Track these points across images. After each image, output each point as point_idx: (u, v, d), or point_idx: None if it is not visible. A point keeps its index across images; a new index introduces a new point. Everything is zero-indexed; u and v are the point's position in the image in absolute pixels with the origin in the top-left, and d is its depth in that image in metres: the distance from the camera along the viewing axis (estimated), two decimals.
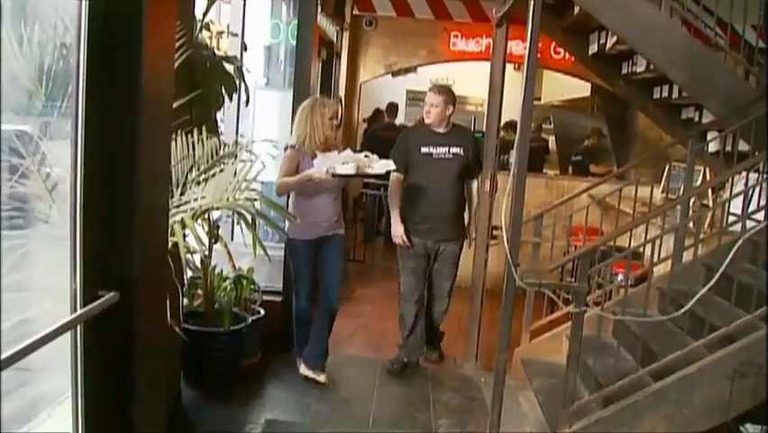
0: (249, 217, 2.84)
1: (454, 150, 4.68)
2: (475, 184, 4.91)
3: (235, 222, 4.69)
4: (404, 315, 4.89)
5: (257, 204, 2.95)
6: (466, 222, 4.95)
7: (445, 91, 4.73)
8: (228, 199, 2.78)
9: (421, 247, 4.76)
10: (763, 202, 4.06)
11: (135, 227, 2.00)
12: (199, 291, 4.30)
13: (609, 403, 3.51)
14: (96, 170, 1.89)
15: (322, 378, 4.49)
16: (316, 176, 4.00)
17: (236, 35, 4.81)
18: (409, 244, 4.74)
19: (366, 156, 4.09)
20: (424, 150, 4.67)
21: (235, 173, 2.97)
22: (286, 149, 4.24)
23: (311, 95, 5.09)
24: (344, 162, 3.95)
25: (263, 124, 6.33)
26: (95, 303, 1.83)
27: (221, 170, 3.04)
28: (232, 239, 5.52)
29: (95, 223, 1.91)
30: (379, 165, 4.07)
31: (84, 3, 1.77)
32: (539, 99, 10.59)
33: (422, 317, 4.90)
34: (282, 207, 3.13)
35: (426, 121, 4.73)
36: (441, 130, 4.71)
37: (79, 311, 1.80)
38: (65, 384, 2.64)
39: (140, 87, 1.93)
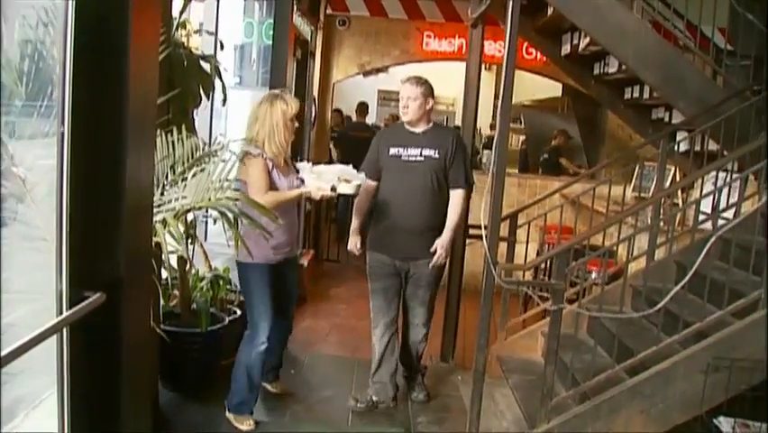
0: (231, 217, 2.82)
1: (428, 151, 4.02)
2: (458, 194, 4.11)
3: (210, 222, 4.70)
4: (373, 344, 4.27)
5: (239, 203, 2.93)
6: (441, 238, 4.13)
7: (423, 82, 4.09)
8: (210, 199, 2.76)
9: (390, 266, 4.15)
10: (733, 200, 4.16)
11: (121, 227, 1.99)
12: (175, 292, 4.27)
13: (586, 399, 3.57)
14: (81, 170, 1.87)
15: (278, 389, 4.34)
16: (317, 194, 3.72)
17: (212, 34, 4.77)
18: (357, 253, 4.30)
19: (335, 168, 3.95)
20: (392, 151, 4.07)
21: (216, 172, 2.95)
22: (243, 157, 3.56)
23: None
24: (343, 179, 3.71)
25: (236, 123, 6.30)
26: (82, 304, 1.81)
27: (201, 170, 3.03)
28: (205, 239, 5.50)
29: (80, 223, 1.89)
30: (356, 182, 3.89)
31: (70, 2, 1.75)
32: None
33: (394, 348, 4.26)
34: (265, 207, 3.02)
35: (404, 118, 4.08)
36: (418, 129, 4.08)
37: (67, 313, 1.79)
38: (42, 386, 2.61)
39: (126, 87, 1.92)
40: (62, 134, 1.81)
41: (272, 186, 3.67)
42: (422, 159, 4.02)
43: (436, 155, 4.02)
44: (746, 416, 3.18)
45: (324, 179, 3.68)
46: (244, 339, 3.87)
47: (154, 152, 2.41)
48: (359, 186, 3.76)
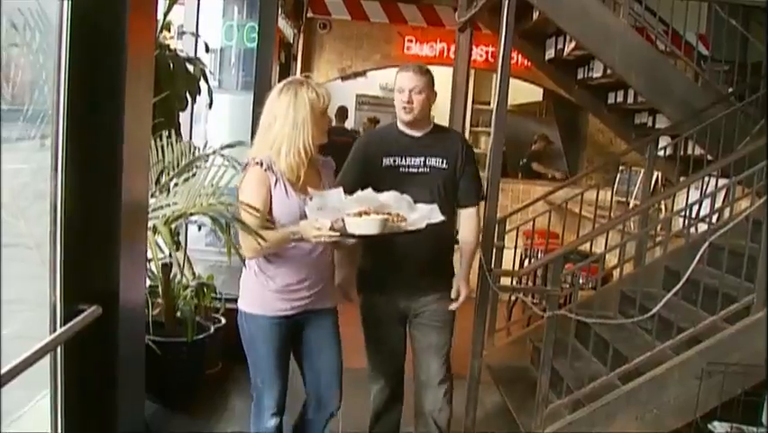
0: (224, 223, 2.76)
1: (433, 160, 3.13)
2: (472, 213, 3.27)
3: (193, 228, 4.61)
4: (372, 396, 3.42)
5: (231, 209, 2.86)
6: (457, 271, 3.32)
7: (427, 71, 3.15)
8: (202, 204, 2.70)
9: (390, 308, 3.21)
10: (717, 205, 4.19)
11: (117, 237, 1.91)
12: (159, 300, 4.17)
13: (578, 405, 3.55)
14: (75, 178, 1.80)
15: None
16: (314, 235, 2.49)
17: (196, 36, 4.69)
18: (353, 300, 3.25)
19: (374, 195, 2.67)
20: (386, 161, 3.12)
21: (208, 178, 2.88)
22: (246, 166, 2.69)
23: None
24: (361, 212, 2.51)
25: (216, 127, 6.22)
26: (77, 319, 1.74)
27: (193, 175, 2.95)
28: (186, 246, 5.40)
29: (74, 233, 1.82)
30: (418, 216, 2.64)
31: (66, 3, 1.68)
32: (489, 104, 10.69)
33: (393, 414, 3.44)
34: (247, 226, 2.60)
35: (405, 117, 3.10)
36: (417, 132, 3.16)
37: (62, 329, 1.71)
38: (22, 399, 2.51)
39: (122, 92, 1.85)
40: (56, 142, 1.73)
41: (271, 207, 2.65)
42: (426, 170, 3.13)
43: (444, 165, 3.14)
44: (740, 420, 3.17)
45: (329, 210, 2.52)
46: (251, 408, 2.96)
47: (149, 158, 2.35)
48: (385, 221, 2.52)
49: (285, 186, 2.63)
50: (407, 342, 3.33)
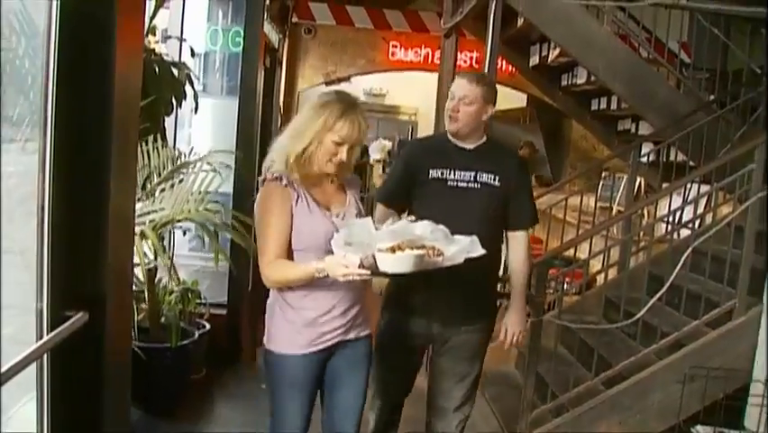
0: (212, 229, 2.74)
1: (484, 176, 2.81)
2: (523, 238, 2.95)
3: (179, 233, 4.59)
4: (369, 414, 2.99)
5: (219, 215, 2.85)
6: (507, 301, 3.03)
7: (487, 82, 2.85)
8: (190, 210, 2.68)
9: (417, 336, 2.87)
10: (699, 211, 4.24)
11: (104, 241, 1.90)
12: (143, 306, 4.14)
13: (562, 410, 3.58)
14: (63, 183, 1.79)
15: None
16: (342, 274, 2.14)
17: (182, 40, 4.67)
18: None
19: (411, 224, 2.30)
20: (434, 173, 2.81)
21: (196, 183, 2.86)
22: (264, 181, 2.36)
23: (256, 104, 5.01)
24: (393, 246, 2.18)
25: (200, 132, 6.20)
26: (64, 325, 1.73)
27: (180, 180, 2.93)
28: (173, 252, 5.37)
29: (62, 237, 1.80)
30: (457, 249, 2.27)
31: (55, 3, 1.67)
32: None
33: (394, 426, 3.10)
34: (248, 220, 2.51)
35: (449, 126, 2.83)
36: (468, 145, 2.84)
37: (49, 336, 1.69)
38: (6, 404, 2.48)
39: (110, 97, 1.85)
40: (44, 147, 1.72)
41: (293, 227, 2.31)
42: (476, 185, 2.82)
43: (496, 182, 2.82)
44: (722, 424, 3.21)
45: (358, 244, 2.19)
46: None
47: (136, 163, 2.34)
48: (420, 257, 2.17)
49: (307, 201, 2.32)
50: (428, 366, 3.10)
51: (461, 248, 2.26)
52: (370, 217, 2.37)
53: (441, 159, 2.83)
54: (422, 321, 2.83)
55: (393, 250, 2.15)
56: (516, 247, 2.94)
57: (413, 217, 2.35)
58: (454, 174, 2.81)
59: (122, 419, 2.21)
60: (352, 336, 2.44)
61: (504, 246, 3.00)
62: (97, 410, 1.95)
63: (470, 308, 2.86)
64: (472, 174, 2.81)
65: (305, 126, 2.29)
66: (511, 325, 2.92)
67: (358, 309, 2.44)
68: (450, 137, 2.86)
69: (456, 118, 2.78)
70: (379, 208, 2.92)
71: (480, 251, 2.29)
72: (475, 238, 2.30)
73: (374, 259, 2.15)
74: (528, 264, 2.99)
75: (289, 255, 2.31)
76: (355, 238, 2.18)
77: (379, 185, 2.91)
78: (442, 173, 2.81)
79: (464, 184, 2.81)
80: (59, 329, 1.70)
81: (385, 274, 2.22)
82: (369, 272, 2.14)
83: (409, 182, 2.87)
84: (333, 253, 2.16)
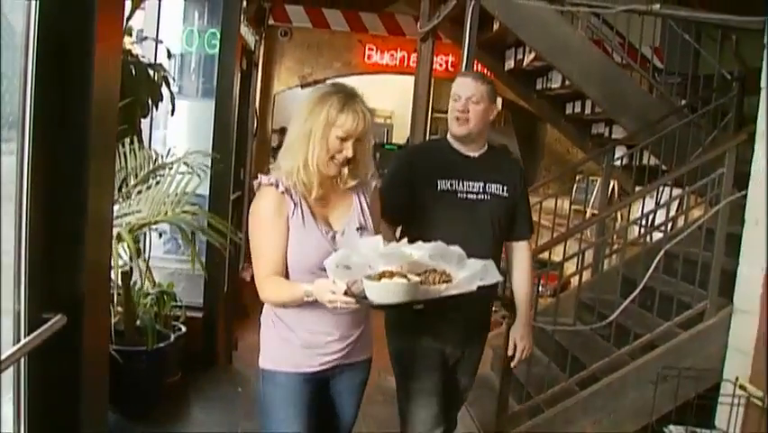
0: (189, 232, 2.73)
1: (493, 186, 2.63)
2: (526, 249, 2.81)
3: (154, 235, 4.55)
4: None
5: (196, 217, 2.84)
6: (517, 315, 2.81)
7: (488, 80, 2.68)
8: (167, 213, 2.66)
9: (437, 354, 2.64)
10: (671, 214, 4.31)
11: (82, 243, 1.89)
12: (119, 309, 4.10)
13: (538, 411, 3.61)
14: (41, 183, 1.78)
15: None
16: (328, 300, 1.89)
17: (161, 42, 4.64)
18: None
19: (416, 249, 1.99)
20: (443, 185, 2.57)
21: (172, 186, 2.85)
22: (258, 187, 2.12)
23: (233, 106, 4.99)
24: (386, 272, 1.90)
25: (175, 133, 6.16)
26: (43, 328, 1.71)
27: (156, 183, 2.92)
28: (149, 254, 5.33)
29: (39, 239, 1.79)
30: (468, 274, 1.98)
31: (33, 10, 1.66)
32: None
33: None
34: (224, 223, 2.51)
35: (457, 130, 2.59)
36: (472, 152, 2.65)
37: (27, 339, 1.68)
38: None
39: (89, 98, 1.84)
40: (22, 149, 1.71)
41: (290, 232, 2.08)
42: (485, 197, 2.62)
43: (504, 192, 2.65)
44: (694, 423, 3.26)
45: (355, 267, 1.90)
46: None
47: (115, 165, 2.32)
48: (413, 286, 1.90)
49: (302, 213, 2.07)
50: None
51: (473, 274, 1.99)
52: (380, 236, 2.05)
53: (448, 169, 2.60)
54: (440, 339, 2.61)
55: (387, 275, 1.89)
56: (520, 258, 2.78)
57: (420, 242, 2.05)
58: (463, 185, 2.59)
59: (99, 422, 2.19)
60: (352, 359, 2.23)
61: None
62: (75, 413, 1.94)
63: (480, 324, 2.76)
64: (481, 185, 2.61)
65: (308, 126, 2.03)
66: (520, 339, 2.77)
67: (360, 332, 2.22)
68: (454, 145, 2.64)
69: (466, 119, 2.55)
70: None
71: (496, 277, 2.09)
72: (490, 263, 2.08)
73: (363, 286, 1.88)
74: (532, 275, 2.85)
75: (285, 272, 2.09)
76: (356, 261, 1.89)
77: None
78: (451, 185, 2.58)
79: (474, 196, 2.60)
80: (38, 332, 1.69)
81: (374, 305, 1.93)
82: (353, 301, 1.87)
83: (413, 196, 2.59)
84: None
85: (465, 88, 2.58)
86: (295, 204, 2.05)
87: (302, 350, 2.14)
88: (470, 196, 2.59)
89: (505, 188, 2.64)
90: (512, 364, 2.84)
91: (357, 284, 1.88)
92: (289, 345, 2.15)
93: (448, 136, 2.66)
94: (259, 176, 2.09)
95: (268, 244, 2.06)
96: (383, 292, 1.86)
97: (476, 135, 2.60)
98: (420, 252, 1.96)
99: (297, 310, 2.09)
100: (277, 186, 2.05)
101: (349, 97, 2.06)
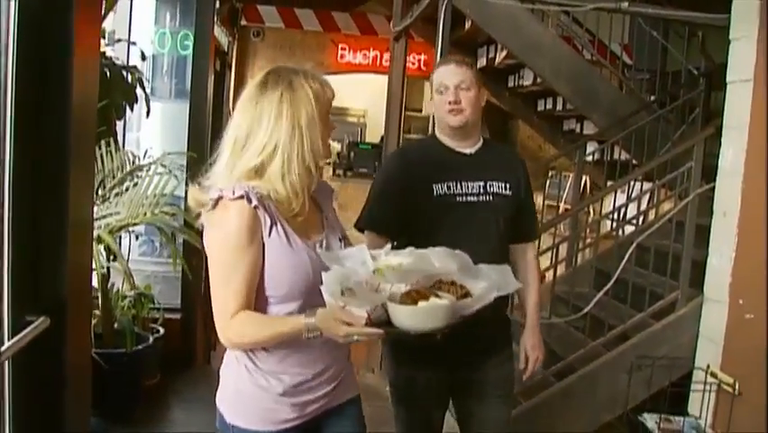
0: (169, 232, 2.74)
1: (495, 186, 2.34)
2: (532, 251, 2.54)
3: (132, 237, 4.54)
4: None
5: (175, 218, 2.85)
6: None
7: (471, 64, 2.37)
8: (146, 214, 2.67)
9: (434, 382, 2.32)
10: (643, 208, 4.40)
11: (65, 245, 1.90)
12: (97, 311, 4.08)
13: (515, 402, 3.67)
14: (22, 186, 1.78)
15: None
16: (343, 334, 1.56)
17: (134, 43, 4.62)
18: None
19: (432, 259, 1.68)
20: (439, 188, 2.28)
21: (151, 187, 2.85)
22: (218, 201, 1.65)
23: (207, 107, 4.98)
24: (411, 292, 1.62)
25: (149, 135, 6.14)
26: (26, 331, 1.71)
27: (134, 184, 2.92)
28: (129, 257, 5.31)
29: (21, 241, 1.79)
30: (486, 285, 1.69)
31: (13, 5, 1.66)
32: (420, 111, 10.87)
33: None
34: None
35: (453, 122, 2.29)
36: (468, 148, 2.36)
37: (10, 342, 1.68)
38: None
39: (69, 99, 1.84)
40: (3, 151, 1.71)
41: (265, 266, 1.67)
42: (487, 198, 2.32)
43: (508, 191, 2.36)
44: (668, 411, 3.34)
45: (362, 291, 1.58)
46: None
47: (94, 167, 2.32)
48: (451, 308, 1.62)
49: (284, 229, 1.67)
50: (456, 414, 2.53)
51: (490, 285, 1.69)
52: (364, 246, 1.74)
53: (443, 169, 2.31)
54: (437, 368, 2.29)
55: (411, 297, 1.59)
56: (526, 260, 2.48)
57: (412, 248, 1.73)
58: (461, 186, 2.30)
59: (83, 423, 2.19)
60: (339, 400, 1.84)
61: None
62: (59, 415, 1.94)
63: (488, 342, 2.34)
64: (481, 185, 2.31)
65: (288, 113, 1.65)
66: (531, 348, 2.44)
67: (347, 370, 1.87)
68: (445, 142, 2.36)
69: (460, 109, 2.26)
70: (368, 238, 2.30)
71: (514, 284, 1.83)
72: (506, 268, 1.85)
73: (386, 312, 1.58)
74: (540, 279, 2.62)
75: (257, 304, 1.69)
76: (354, 280, 1.57)
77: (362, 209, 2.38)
78: (449, 187, 2.29)
79: (473, 198, 2.30)
80: (22, 334, 1.69)
81: (404, 333, 1.59)
82: (381, 331, 1.57)
83: (406, 202, 2.29)
84: (322, 301, 1.58)
85: (451, 76, 2.28)
86: (272, 221, 1.65)
87: (285, 399, 1.73)
88: (469, 198, 2.30)
89: (508, 186, 2.35)
90: (524, 378, 2.50)
91: (377, 311, 1.58)
92: (267, 394, 1.73)
93: (437, 134, 2.39)
94: (220, 190, 1.65)
95: (238, 271, 1.63)
96: (422, 317, 1.57)
97: (471, 127, 2.31)
98: (437, 259, 1.67)
99: (281, 355, 1.71)
100: (249, 200, 1.62)
101: (302, 72, 1.72)
